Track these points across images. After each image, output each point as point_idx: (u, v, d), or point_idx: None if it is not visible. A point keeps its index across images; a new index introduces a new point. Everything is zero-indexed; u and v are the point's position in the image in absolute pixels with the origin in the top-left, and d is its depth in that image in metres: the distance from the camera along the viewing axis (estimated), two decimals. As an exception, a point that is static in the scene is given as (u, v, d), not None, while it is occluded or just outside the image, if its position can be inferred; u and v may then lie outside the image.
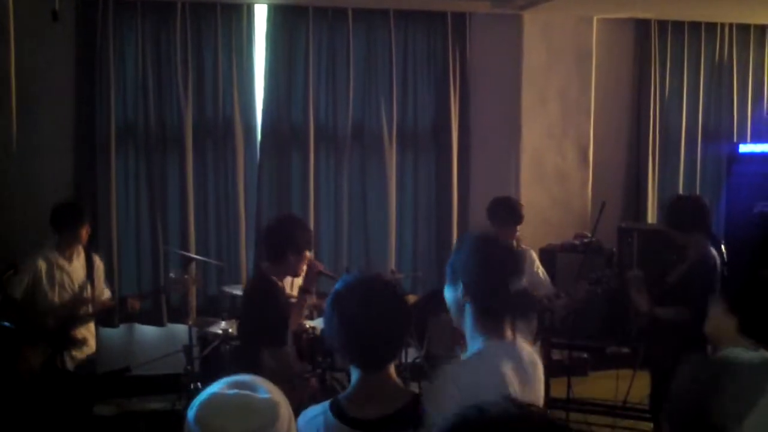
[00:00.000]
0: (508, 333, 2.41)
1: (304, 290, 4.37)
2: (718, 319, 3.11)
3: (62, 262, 5.09)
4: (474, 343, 2.40)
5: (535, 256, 5.57)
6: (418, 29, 7.00)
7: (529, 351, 2.46)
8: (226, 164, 6.73)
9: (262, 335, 3.95)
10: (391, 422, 2.13)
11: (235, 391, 1.86)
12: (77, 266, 5.17)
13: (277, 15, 6.71)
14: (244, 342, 4.46)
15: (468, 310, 2.40)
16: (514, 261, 2.47)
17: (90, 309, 5.17)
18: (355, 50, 6.83)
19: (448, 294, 2.48)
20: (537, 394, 2.44)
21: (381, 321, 2.16)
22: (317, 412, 2.20)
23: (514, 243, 5.31)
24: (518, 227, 5.26)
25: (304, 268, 4.23)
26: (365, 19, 6.86)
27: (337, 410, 2.16)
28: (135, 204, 6.64)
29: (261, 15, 6.74)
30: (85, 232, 5.17)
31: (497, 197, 5.38)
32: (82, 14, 6.38)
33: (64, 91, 6.43)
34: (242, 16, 6.63)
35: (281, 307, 4.08)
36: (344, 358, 2.27)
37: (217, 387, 1.89)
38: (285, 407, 1.90)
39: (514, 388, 2.30)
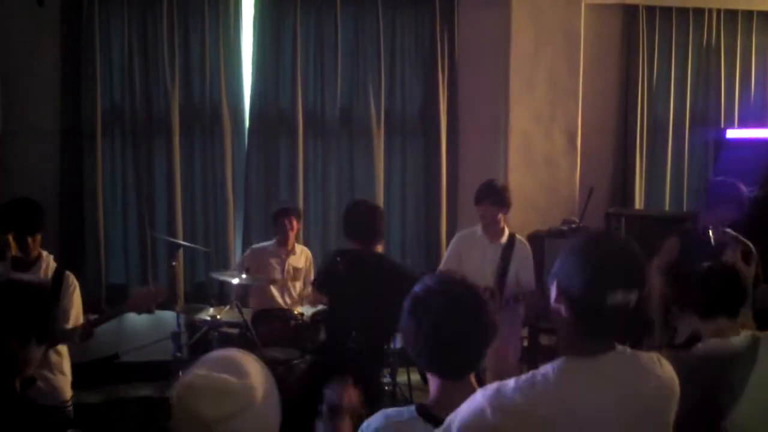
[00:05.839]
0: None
1: None
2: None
3: (15, 275, 3.68)
4: None
5: (529, 251, 5.39)
6: (406, 14, 6.96)
7: None
8: (214, 150, 6.70)
9: None
10: None
11: (214, 373, 1.89)
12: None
13: (264, 0, 6.67)
14: None
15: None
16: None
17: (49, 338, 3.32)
18: (342, 35, 6.79)
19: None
20: None
21: (464, 330, 2.12)
22: (402, 418, 2.15)
23: (505, 231, 5.29)
24: (500, 208, 5.23)
25: None
26: (353, 3, 6.81)
27: (426, 414, 2.13)
28: (122, 190, 6.61)
29: (248, 0, 6.70)
30: (32, 242, 3.87)
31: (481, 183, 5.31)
32: (68, -1, 6.33)
33: (50, 76, 6.38)
34: (229, 0, 6.59)
35: None
36: (422, 365, 2.23)
37: (202, 365, 1.93)
38: (263, 391, 1.91)
39: None
